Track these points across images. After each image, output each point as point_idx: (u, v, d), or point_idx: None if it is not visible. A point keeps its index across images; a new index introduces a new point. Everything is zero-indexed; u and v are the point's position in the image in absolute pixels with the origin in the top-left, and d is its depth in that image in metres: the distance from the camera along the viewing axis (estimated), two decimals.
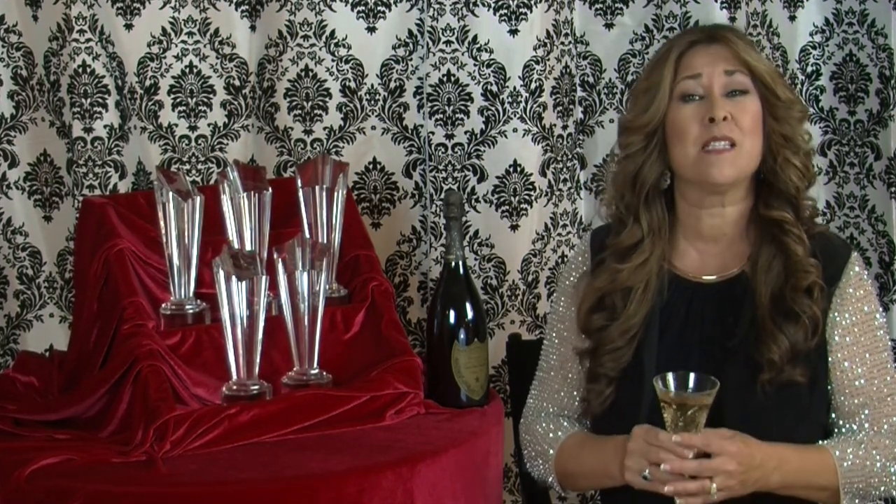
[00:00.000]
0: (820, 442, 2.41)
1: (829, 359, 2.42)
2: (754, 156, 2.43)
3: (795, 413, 2.39)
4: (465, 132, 3.17)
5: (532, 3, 3.12)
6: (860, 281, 2.46)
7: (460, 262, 2.55)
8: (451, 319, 2.53)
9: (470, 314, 2.53)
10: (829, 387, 2.43)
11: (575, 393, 2.57)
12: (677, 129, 2.43)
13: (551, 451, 2.55)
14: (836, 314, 2.43)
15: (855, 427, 2.43)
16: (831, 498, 2.38)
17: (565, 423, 2.57)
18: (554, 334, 2.61)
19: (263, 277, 2.39)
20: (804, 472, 2.36)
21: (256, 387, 2.43)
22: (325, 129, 3.18)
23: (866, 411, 2.42)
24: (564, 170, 3.25)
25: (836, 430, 2.45)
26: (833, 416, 2.45)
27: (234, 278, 2.37)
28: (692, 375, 2.25)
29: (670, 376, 2.25)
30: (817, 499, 2.39)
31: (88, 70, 3.07)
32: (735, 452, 2.26)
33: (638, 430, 2.30)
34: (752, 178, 2.47)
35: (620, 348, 2.45)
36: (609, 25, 3.24)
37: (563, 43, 3.20)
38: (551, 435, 2.56)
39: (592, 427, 2.54)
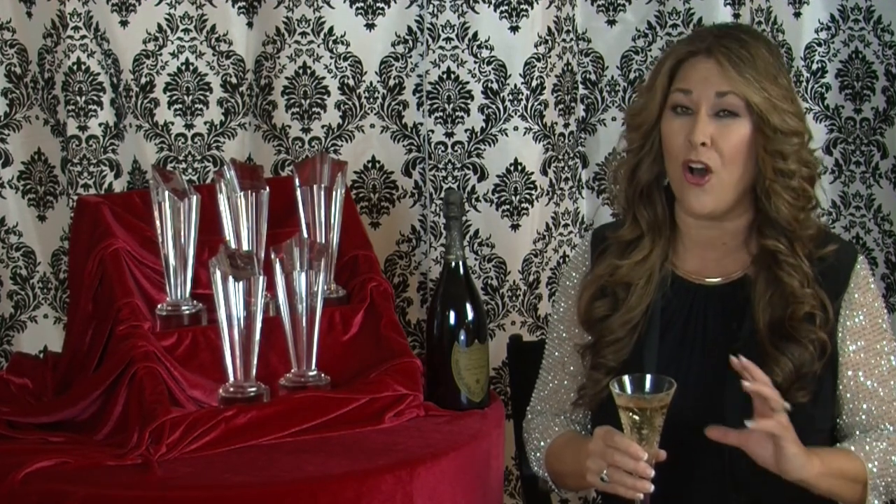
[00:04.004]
0: (839, 445, 2.40)
1: (841, 364, 2.40)
2: (732, 183, 2.38)
3: (798, 422, 2.35)
4: (466, 130, 3.16)
5: None
6: (867, 284, 2.44)
7: (460, 262, 2.54)
8: (452, 320, 2.52)
9: (470, 315, 2.52)
10: (836, 392, 2.41)
11: (573, 394, 2.56)
12: (666, 141, 2.42)
13: (541, 451, 2.55)
14: (845, 320, 2.41)
15: (863, 432, 2.41)
16: (859, 494, 2.35)
17: (559, 422, 2.57)
18: (555, 335, 2.60)
19: (261, 278, 2.38)
20: (837, 459, 2.33)
21: (254, 389, 2.42)
22: (323, 127, 3.17)
23: (880, 419, 2.41)
24: (566, 168, 3.23)
25: (843, 437, 2.44)
26: (841, 422, 2.44)
27: (230, 279, 2.36)
28: (648, 377, 2.24)
29: (626, 378, 2.23)
30: (847, 495, 2.36)
31: (83, 67, 3.06)
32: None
33: (598, 431, 2.28)
34: (750, 195, 2.42)
35: (622, 339, 2.44)
36: (611, 22, 3.23)
37: (564, 40, 3.19)
38: (545, 433, 2.56)
39: (592, 423, 2.52)
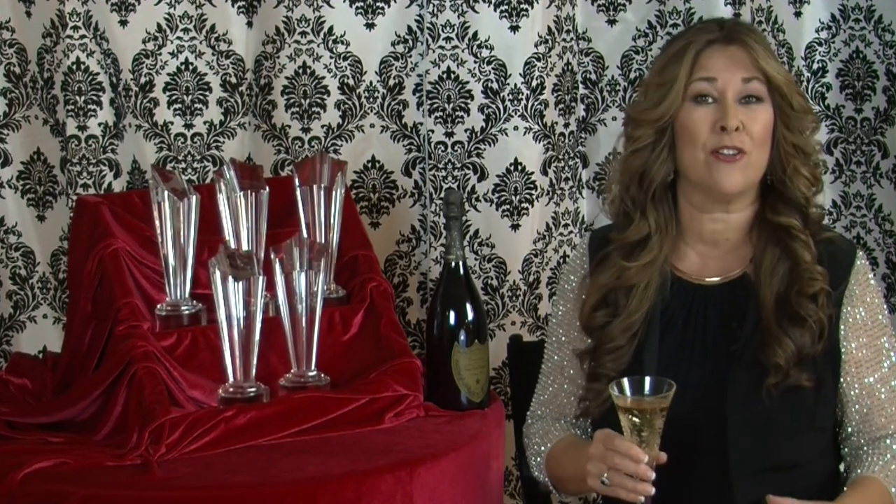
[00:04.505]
0: (858, 471, 2.40)
1: (843, 360, 2.40)
2: (762, 165, 2.41)
3: (800, 419, 2.37)
4: (466, 130, 3.15)
5: None
6: (867, 280, 2.44)
7: (460, 262, 2.53)
8: (451, 320, 2.51)
9: (470, 315, 2.51)
10: (839, 390, 2.41)
11: (573, 398, 2.55)
12: (687, 131, 2.40)
13: (541, 456, 2.55)
14: (847, 316, 2.41)
15: (865, 432, 2.41)
16: None
17: (559, 427, 2.56)
18: (554, 339, 2.59)
19: (260, 278, 2.37)
20: None
21: (253, 389, 2.41)
22: (323, 126, 3.16)
23: (882, 417, 2.41)
24: (566, 168, 3.23)
25: (846, 436, 2.44)
26: (844, 421, 2.43)
27: (230, 279, 2.35)
28: (648, 379, 2.23)
29: (626, 381, 2.22)
30: None
31: (82, 67, 3.05)
32: None
33: (598, 435, 2.28)
34: (759, 184, 2.44)
35: (621, 347, 2.43)
36: (611, 22, 3.23)
37: (564, 39, 3.18)
38: (545, 438, 2.55)
39: (593, 427, 2.51)
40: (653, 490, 2.20)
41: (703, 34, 2.43)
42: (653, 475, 2.20)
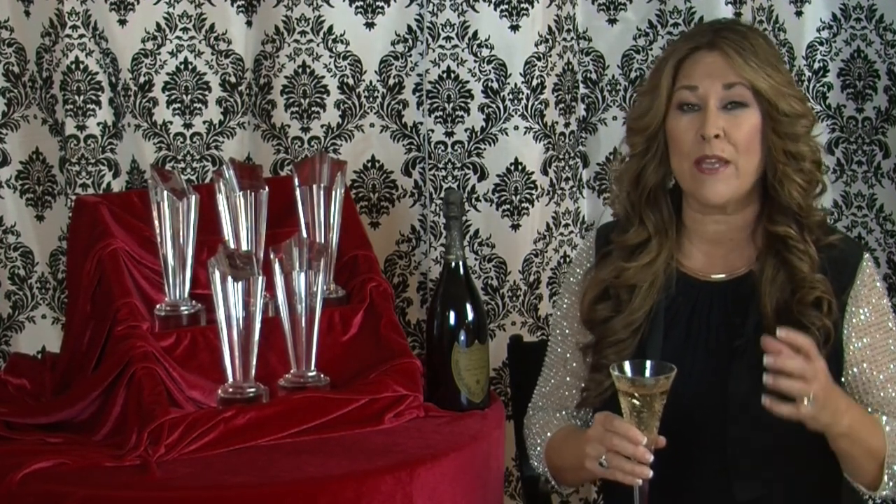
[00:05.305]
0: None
1: (846, 361, 2.40)
2: (750, 172, 2.40)
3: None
4: (466, 130, 3.15)
5: None
6: (873, 281, 2.44)
7: (460, 263, 2.53)
8: (452, 321, 2.51)
9: (470, 315, 2.51)
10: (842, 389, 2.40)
11: (574, 390, 2.56)
12: (674, 140, 2.42)
13: (541, 446, 2.55)
14: (851, 317, 2.41)
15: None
16: (875, 469, 2.34)
17: (560, 418, 2.57)
18: (557, 332, 2.60)
19: (260, 278, 2.37)
20: (865, 425, 2.33)
21: (253, 389, 2.41)
22: (322, 126, 3.16)
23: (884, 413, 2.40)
24: (566, 168, 3.22)
25: None
26: None
27: (229, 279, 2.35)
28: (649, 362, 2.23)
29: (627, 363, 2.23)
30: (863, 466, 2.35)
31: (81, 66, 3.05)
32: (823, 367, 2.22)
33: (598, 417, 2.28)
34: (758, 186, 2.44)
35: (624, 340, 2.44)
36: (612, 21, 3.22)
37: (565, 39, 3.18)
38: (545, 428, 2.56)
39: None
40: (650, 473, 2.19)
41: (690, 41, 2.43)
42: (651, 458, 2.19)
